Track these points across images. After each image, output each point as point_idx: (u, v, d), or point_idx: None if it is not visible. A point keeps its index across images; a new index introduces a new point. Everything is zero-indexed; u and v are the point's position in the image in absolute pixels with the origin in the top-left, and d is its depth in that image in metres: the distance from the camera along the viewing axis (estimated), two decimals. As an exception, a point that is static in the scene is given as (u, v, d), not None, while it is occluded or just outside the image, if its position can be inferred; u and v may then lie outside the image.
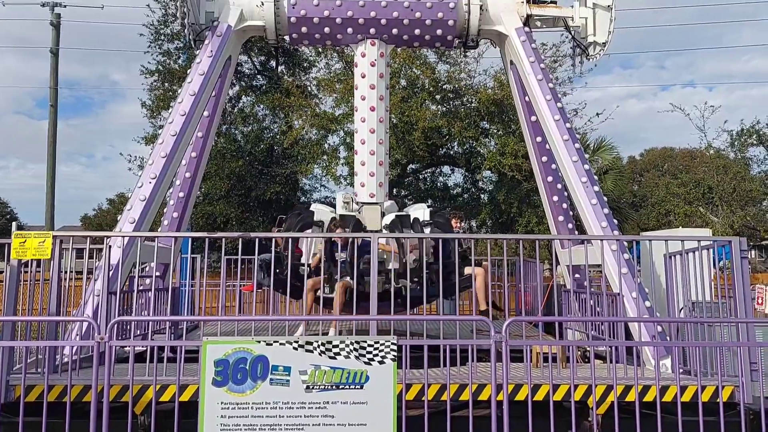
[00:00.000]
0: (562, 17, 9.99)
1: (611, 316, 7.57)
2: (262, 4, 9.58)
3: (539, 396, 6.07)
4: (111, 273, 7.04)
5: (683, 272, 6.94)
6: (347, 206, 9.89)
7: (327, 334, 8.80)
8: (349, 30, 9.61)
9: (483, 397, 6.07)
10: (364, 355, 4.95)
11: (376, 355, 4.95)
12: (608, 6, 9.76)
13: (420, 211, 9.73)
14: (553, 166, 9.83)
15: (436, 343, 6.16)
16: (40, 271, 6.69)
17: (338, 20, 9.50)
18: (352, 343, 4.96)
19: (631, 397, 6.00)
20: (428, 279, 7.77)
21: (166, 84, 22.45)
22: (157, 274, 8.46)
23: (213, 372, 4.87)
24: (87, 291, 7.30)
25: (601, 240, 7.95)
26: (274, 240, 7.83)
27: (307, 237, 8.80)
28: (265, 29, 9.82)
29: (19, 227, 33.11)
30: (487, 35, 10.21)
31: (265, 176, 22.25)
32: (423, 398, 5.68)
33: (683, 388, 6.07)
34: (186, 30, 9.37)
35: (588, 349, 7.50)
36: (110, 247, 6.90)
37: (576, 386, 5.92)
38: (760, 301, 16.31)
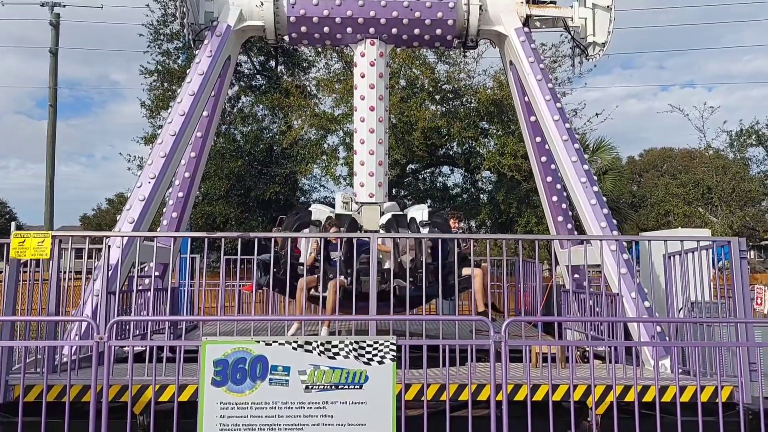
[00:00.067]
0: (561, 17, 9.99)
1: (610, 316, 7.58)
2: (262, 4, 9.59)
3: (538, 396, 6.07)
4: (110, 273, 7.04)
5: (682, 272, 6.94)
6: (346, 206, 9.90)
7: (318, 333, 8.80)
8: (349, 29, 9.61)
9: (482, 397, 6.07)
10: (363, 355, 4.95)
11: (376, 355, 4.95)
12: (608, 6, 9.77)
13: (419, 212, 9.73)
14: (553, 166, 9.83)
15: (435, 343, 6.16)
16: (39, 271, 6.68)
17: (338, 19, 9.50)
18: (351, 343, 4.96)
19: (631, 397, 6.00)
20: (424, 279, 7.74)
21: (166, 84, 22.44)
22: (157, 274, 8.46)
23: (212, 372, 4.87)
24: (86, 291, 7.29)
25: (601, 240, 7.95)
26: (273, 240, 7.83)
27: (304, 237, 8.79)
28: (264, 29, 9.83)
29: (18, 227, 33.10)
30: (487, 35, 10.22)
31: (265, 176, 22.25)
32: (422, 398, 5.68)
33: (682, 389, 6.07)
34: (185, 30, 9.37)
35: (587, 349, 7.50)
36: (109, 246, 6.90)
37: (575, 386, 5.92)
38: (759, 301, 16.34)
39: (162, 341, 7.15)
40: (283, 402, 4.87)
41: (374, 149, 9.73)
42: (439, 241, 8.20)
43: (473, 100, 21.12)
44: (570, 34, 10.14)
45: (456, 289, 7.89)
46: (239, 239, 7.12)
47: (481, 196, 23.34)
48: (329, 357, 4.93)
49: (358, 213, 9.72)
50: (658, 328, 7.64)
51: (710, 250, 7.08)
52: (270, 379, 4.89)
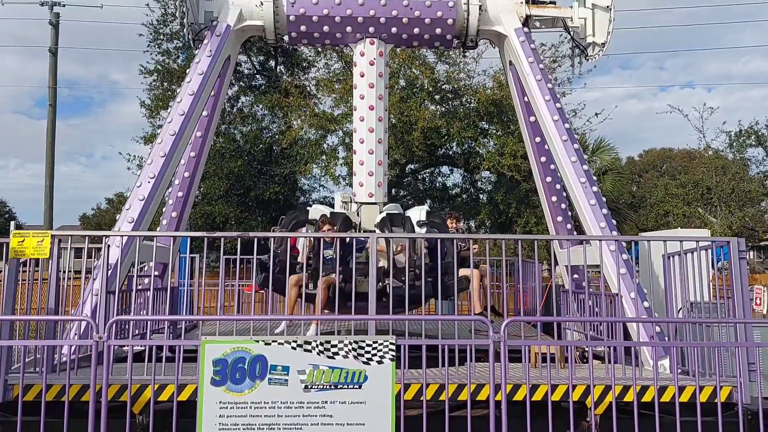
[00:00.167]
0: (561, 18, 10.00)
1: (610, 316, 7.58)
2: (261, 3, 9.59)
3: (537, 396, 6.07)
4: (110, 272, 7.04)
5: (682, 273, 6.95)
6: (346, 206, 9.89)
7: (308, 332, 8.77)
8: (348, 29, 9.62)
9: (481, 397, 6.07)
10: (362, 355, 4.95)
11: (375, 354, 4.95)
12: (607, 6, 9.77)
13: (416, 212, 9.73)
14: (552, 166, 9.83)
15: (434, 343, 6.16)
16: (38, 271, 6.68)
17: (337, 18, 9.50)
18: (350, 343, 4.96)
19: (630, 397, 6.01)
20: (417, 279, 7.69)
21: (165, 84, 22.44)
22: (156, 273, 8.46)
23: (211, 371, 4.87)
24: (85, 290, 7.29)
25: (600, 240, 7.96)
26: (271, 240, 7.83)
27: (303, 236, 8.79)
28: (264, 29, 9.83)
29: (18, 226, 33.07)
30: (486, 35, 10.22)
31: (264, 176, 22.25)
32: (421, 398, 5.68)
33: (681, 389, 6.08)
34: (185, 29, 9.38)
35: (586, 349, 7.50)
36: (109, 246, 6.90)
37: (574, 386, 5.93)
38: (758, 301, 16.35)
39: (161, 341, 7.15)
40: (282, 402, 4.87)
41: (374, 149, 9.73)
42: (439, 241, 8.19)
43: (473, 100, 21.13)
44: (569, 34, 10.14)
45: (455, 289, 7.89)
46: (239, 239, 7.13)
47: (481, 196, 23.35)
48: (328, 357, 4.93)
49: (358, 213, 9.72)
50: (658, 329, 7.65)
51: (709, 251, 7.09)
52: (269, 379, 4.89)
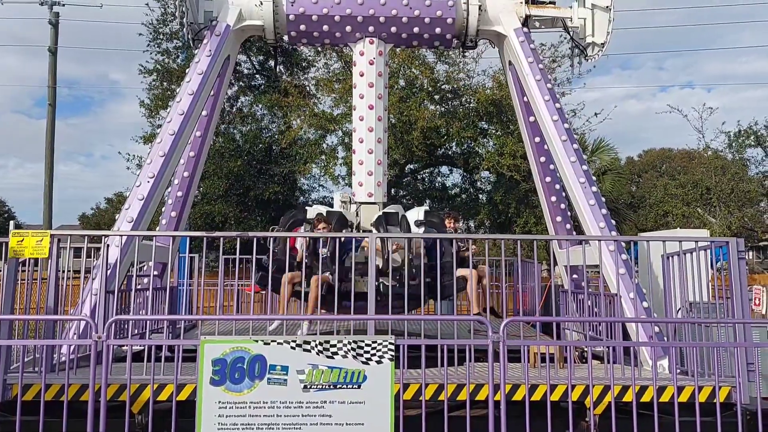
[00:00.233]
0: (560, 18, 10.00)
1: (609, 316, 7.58)
2: (261, 3, 9.59)
3: (537, 396, 6.07)
4: (109, 272, 7.04)
5: (681, 273, 6.95)
6: (345, 206, 9.89)
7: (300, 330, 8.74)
8: (348, 28, 9.62)
9: (480, 397, 6.07)
10: (361, 355, 4.95)
11: (374, 354, 4.95)
12: (607, 6, 9.78)
13: (415, 212, 9.72)
14: (552, 166, 9.83)
15: (433, 343, 6.17)
16: (37, 270, 6.67)
17: (337, 18, 9.51)
18: (349, 343, 4.96)
19: (629, 397, 6.01)
20: (412, 278, 7.65)
21: (165, 83, 22.45)
22: (155, 273, 8.46)
23: (210, 371, 4.87)
24: (85, 290, 7.29)
25: (599, 240, 7.97)
26: (270, 239, 7.82)
27: (301, 236, 8.79)
28: (263, 29, 9.83)
29: (17, 226, 33.06)
30: (486, 35, 10.22)
31: (264, 176, 22.24)
32: (420, 398, 5.68)
33: (680, 389, 6.08)
34: (184, 29, 9.38)
35: (585, 349, 7.51)
36: (108, 246, 6.89)
37: (573, 386, 5.93)
38: (757, 302, 16.35)
39: (160, 340, 7.14)
40: (281, 401, 4.87)
41: (373, 148, 9.72)
42: (438, 241, 8.17)
43: (472, 100, 21.13)
44: (569, 34, 10.15)
45: (453, 288, 7.88)
46: (238, 239, 7.12)
47: (480, 196, 23.35)
48: (327, 357, 4.93)
49: (357, 213, 9.71)
50: (657, 329, 7.65)
51: (708, 251, 7.09)
52: (268, 379, 4.89)
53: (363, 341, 4.99)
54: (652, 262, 8.92)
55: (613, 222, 8.91)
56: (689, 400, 6.01)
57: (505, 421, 5.26)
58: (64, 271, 6.71)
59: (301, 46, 19.39)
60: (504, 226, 21.38)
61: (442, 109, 21.46)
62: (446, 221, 9.23)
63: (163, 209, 10.11)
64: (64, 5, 24.36)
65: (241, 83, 23.82)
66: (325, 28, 9.63)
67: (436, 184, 24.06)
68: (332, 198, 11.38)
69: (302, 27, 9.61)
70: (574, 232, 10.29)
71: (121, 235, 7.55)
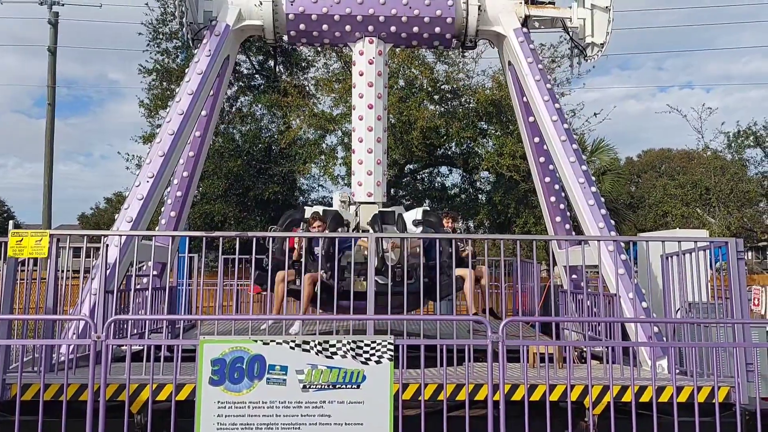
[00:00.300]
0: (560, 18, 10.00)
1: (608, 316, 7.58)
2: (261, 3, 9.59)
3: (536, 396, 6.08)
4: (108, 272, 7.03)
5: (680, 273, 6.95)
6: (344, 205, 9.88)
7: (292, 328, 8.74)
8: (347, 27, 9.62)
9: (480, 397, 6.07)
10: (360, 355, 4.95)
11: (373, 354, 4.95)
12: (606, 7, 9.78)
13: (414, 212, 9.72)
14: (551, 166, 9.83)
15: (433, 343, 6.17)
16: (36, 270, 6.67)
17: (336, 17, 9.51)
18: (348, 343, 4.96)
19: (628, 397, 6.01)
20: (407, 278, 7.61)
21: (164, 83, 22.46)
22: (155, 273, 8.45)
23: (210, 371, 4.87)
24: (84, 290, 7.28)
25: (598, 241, 7.97)
26: (269, 239, 7.81)
27: (300, 236, 8.79)
28: (263, 28, 9.83)
29: (17, 226, 33.05)
30: (486, 36, 10.23)
31: (263, 176, 22.25)
32: (420, 398, 5.68)
33: (679, 389, 6.09)
34: (184, 29, 9.38)
35: (585, 349, 7.51)
36: (107, 245, 6.89)
37: (572, 386, 5.93)
38: (756, 302, 16.37)
39: (160, 340, 7.14)
40: (280, 401, 4.87)
41: (372, 148, 9.71)
42: (436, 241, 8.16)
43: (472, 101, 21.14)
44: (569, 34, 10.15)
45: (453, 288, 7.87)
46: (237, 238, 7.12)
47: (480, 196, 23.36)
48: (327, 357, 4.93)
49: (356, 213, 9.71)
50: (656, 329, 7.66)
51: (708, 251, 7.09)
52: (267, 379, 4.89)
53: (362, 341, 4.99)
54: (651, 263, 8.92)
55: (613, 222, 8.91)
56: (688, 401, 6.01)
57: (504, 421, 5.26)
58: (63, 271, 6.71)
59: (301, 46, 19.41)
60: (503, 226, 21.39)
61: (442, 109, 21.47)
62: (444, 220, 9.21)
63: (162, 209, 10.11)
64: (63, 5, 24.38)
65: (240, 83, 23.83)
66: (325, 27, 9.63)
67: (436, 185, 24.07)
68: (331, 198, 11.37)
69: (302, 26, 9.61)
70: (574, 233, 10.29)
71: (121, 235, 7.55)
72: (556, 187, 9.95)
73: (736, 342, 6.31)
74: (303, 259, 7.96)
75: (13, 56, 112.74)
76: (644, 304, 7.77)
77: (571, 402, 5.76)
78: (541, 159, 9.99)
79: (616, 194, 22.29)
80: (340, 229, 9.00)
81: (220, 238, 7.33)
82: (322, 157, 21.87)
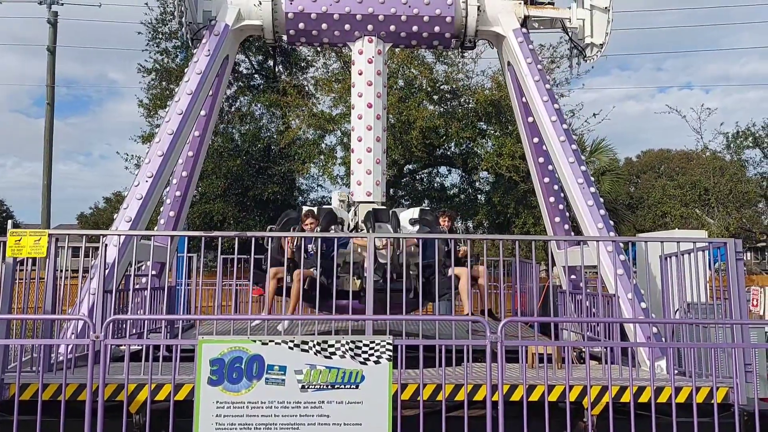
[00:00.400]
0: (559, 18, 10.01)
1: (607, 317, 7.59)
2: (260, 3, 9.59)
3: (534, 396, 6.08)
4: (107, 271, 7.03)
5: (679, 274, 6.96)
6: (343, 204, 9.87)
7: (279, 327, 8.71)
8: (347, 26, 9.62)
9: (478, 397, 6.07)
10: (359, 355, 4.95)
11: (372, 354, 4.96)
12: (606, 7, 9.78)
13: (411, 212, 9.72)
14: (550, 167, 9.84)
15: (431, 343, 6.17)
16: (35, 270, 6.67)
17: (336, 16, 9.51)
18: (347, 343, 4.96)
19: (626, 398, 6.01)
20: (399, 277, 7.59)
21: (164, 83, 22.45)
22: (153, 272, 8.45)
23: (208, 371, 4.87)
24: (82, 289, 7.28)
25: (597, 241, 7.97)
26: (268, 239, 7.81)
27: (299, 236, 8.78)
28: (262, 28, 9.83)
29: (15, 225, 33.02)
30: (485, 36, 10.23)
31: (262, 175, 22.24)
32: (418, 398, 5.68)
33: (678, 389, 6.09)
34: (183, 29, 9.37)
35: (583, 350, 7.51)
36: (106, 245, 6.89)
37: (571, 387, 5.93)
38: (755, 302, 16.39)
39: (158, 340, 7.13)
40: (279, 401, 4.87)
41: (372, 147, 9.68)
42: (436, 241, 8.16)
43: (471, 101, 21.15)
44: (568, 35, 10.16)
45: (452, 288, 7.86)
46: (236, 238, 7.12)
47: (479, 196, 23.37)
48: (325, 357, 4.93)
49: (355, 213, 9.70)
50: (655, 329, 7.66)
51: (706, 252, 7.10)
52: (266, 379, 4.89)
53: (361, 341, 4.99)
54: (650, 263, 8.92)
55: (612, 223, 8.91)
56: (687, 401, 6.02)
57: (503, 421, 5.27)
58: (62, 271, 6.71)
59: (300, 46, 19.41)
60: (502, 226, 21.39)
61: (441, 109, 21.47)
62: (441, 219, 9.18)
63: (161, 209, 10.11)
64: (62, 4, 24.36)
65: (240, 83, 23.82)
66: (324, 26, 9.62)
67: (435, 185, 24.07)
68: (331, 198, 11.38)
69: (301, 25, 9.61)
70: (573, 233, 10.29)
71: (120, 235, 7.55)
72: (555, 187, 9.95)
73: (735, 342, 6.32)
74: (294, 257, 7.95)
75: (13, 56, 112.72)
76: (643, 305, 7.78)
77: (570, 402, 5.76)
78: (540, 159, 9.99)
79: (615, 195, 22.29)
80: (333, 227, 8.99)
81: (219, 238, 7.33)
82: (322, 157, 21.86)
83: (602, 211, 8.70)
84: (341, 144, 21.83)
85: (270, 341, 4.96)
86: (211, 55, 9.25)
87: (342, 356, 4.93)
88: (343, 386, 4.90)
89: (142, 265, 9.06)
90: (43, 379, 5.70)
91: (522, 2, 9.84)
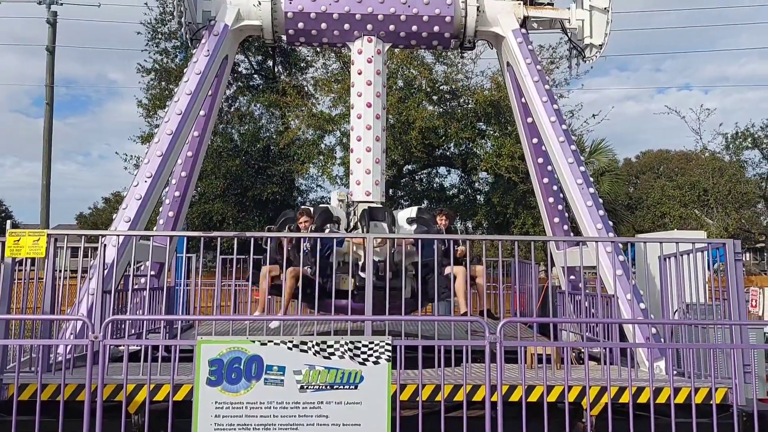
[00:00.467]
0: (558, 19, 10.01)
1: (606, 317, 7.59)
2: (260, 3, 9.59)
3: (533, 397, 6.07)
4: (106, 272, 7.03)
5: (678, 274, 6.96)
6: (342, 204, 9.86)
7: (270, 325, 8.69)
8: (346, 26, 9.61)
9: (477, 398, 6.07)
10: (358, 356, 4.95)
11: (371, 355, 4.96)
12: (605, 8, 9.79)
13: (408, 211, 9.72)
14: (549, 167, 9.84)
15: (430, 344, 6.17)
16: (34, 270, 6.66)
17: (335, 15, 9.51)
18: (346, 344, 4.96)
19: (625, 398, 6.02)
20: (394, 277, 7.56)
21: (163, 83, 22.44)
22: (152, 273, 8.45)
23: (207, 371, 4.87)
24: (81, 290, 7.28)
25: (597, 242, 7.97)
26: (268, 239, 7.82)
27: (297, 236, 8.78)
28: (261, 29, 9.83)
29: (14, 225, 32.99)
30: (484, 36, 10.23)
31: (262, 176, 22.24)
32: (417, 399, 5.68)
33: (677, 390, 6.09)
34: (183, 29, 9.37)
35: (582, 350, 7.51)
36: (105, 245, 6.89)
37: (570, 387, 5.94)
38: (753, 303, 16.38)
39: (157, 340, 7.13)
40: (278, 402, 4.87)
41: (371, 146, 9.67)
42: (435, 240, 8.15)
43: (471, 101, 21.15)
44: (567, 35, 10.16)
45: (452, 287, 7.85)
46: (235, 239, 7.12)
47: (478, 197, 23.37)
48: (324, 357, 4.93)
49: (354, 212, 9.69)
50: (654, 330, 7.66)
51: (705, 252, 7.10)
52: (265, 379, 4.89)
53: (360, 342, 5.00)
54: (649, 264, 8.93)
55: (611, 223, 8.92)
56: (686, 402, 6.02)
57: (502, 422, 5.27)
58: (61, 271, 6.70)
59: (300, 46, 19.41)
60: (502, 227, 21.40)
61: (441, 109, 21.47)
62: (438, 218, 9.17)
63: (160, 209, 10.10)
64: (62, 4, 24.33)
65: (239, 83, 23.81)
66: (324, 25, 9.62)
67: (434, 185, 24.07)
68: (330, 198, 11.36)
69: (300, 25, 9.61)
70: (572, 233, 10.29)
71: (119, 235, 7.54)
72: (555, 187, 9.95)
73: (734, 343, 6.32)
74: (289, 255, 7.95)
75: (12, 55, 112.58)
76: (642, 305, 7.78)
77: (569, 403, 5.77)
78: (540, 160, 9.99)
79: (615, 195, 22.29)
80: (329, 225, 8.99)
81: (218, 238, 7.33)
82: (321, 157, 21.86)
83: (601, 212, 8.70)
84: (340, 144, 21.83)
85: (269, 341, 4.96)
86: (211, 56, 9.24)
87: (341, 357, 4.93)
88: (342, 387, 4.90)
89: (141, 266, 9.05)
90: (41, 380, 5.71)
91: (521, 3, 9.84)
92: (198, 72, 9.10)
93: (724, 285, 6.69)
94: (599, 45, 9.81)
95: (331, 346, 4.94)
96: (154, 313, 8.37)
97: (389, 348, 4.98)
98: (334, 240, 8.09)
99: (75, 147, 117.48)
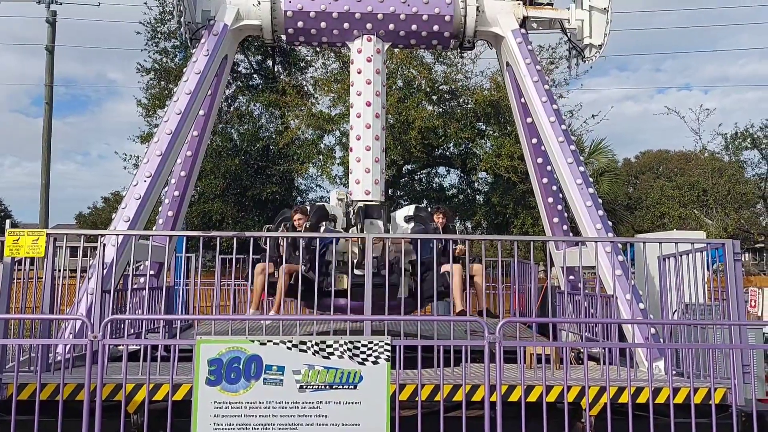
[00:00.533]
0: (558, 19, 10.02)
1: (605, 317, 7.59)
2: (259, 3, 9.59)
3: (532, 397, 6.08)
4: (105, 271, 7.03)
5: (677, 274, 6.96)
6: (341, 203, 9.86)
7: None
8: (346, 25, 9.62)
9: (476, 397, 6.08)
10: (357, 355, 4.95)
11: (370, 355, 4.96)
12: (604, 8, 9.80)
13: (406, 210, 9.72)
14: (549, 167, 9.85)
15: (430, 344, 6.17)
16: (33, 269, 6.66)
17: (334, 14, 9.51)
18: (345, 343, 4.96)
19: (624, 398, 6.02)
20: (390, 274, 7.53)
21: (162, 82, 22.42)
22: (152, 272, 8.45)
23: (206, 371, 4.87)
24: (81, 289, 7.28)
25: (596, 242, 7.97)
26: (267, 239, 7.81)
27: (297, 236, 8.77)
28: (261, 28, 9.83)
29: (13, 225, 32.99)
30: (484, 36, 10.23)
31: (261, 175, 22.22)
32: (416, 399, 5.68)
33: (676, 390, 6.09)
34: (182, 28, 9.37)
35: (582, 350, 7.52)
36: (104, 245, 6.89)
37: (569, 387, 5.94)
38: (753, 303, 16.39)
39: (156, 340, 7.14)
40: (277, 402, 4.87)
41: (371, 145, 9.66)
42: (431, 239, 8.13)
43: (470, 101, 21.15)
44: (567, 35, 10.17)
45: (452, 289, 7.86)
46: (235, 238, 7.12)
47: (477, 197, 23.36)
48: (324, 357, 4.93)
49: (353, 211, 9.68)
50: (653, 330, 7.67)
51: (705, 253, 7.10)
52: (264, 379, 4.89)
53: (359, 341, 5.00)
54: (648, 264, 8.92)
55: (610, 223, 8.92)
56: (685, 402, 6.02)
57: (501, 422, 5.27)
58: (60, 271, 6.70)
59: (299, 46, 19.41)
60: (501, 227, 21.39)
61: (440, 109, 21.46)
62: (435, 216, 9.14)
63: (159, 209, 10.09)
64: (61, 4, 24.28)
65: (238, 83, 23.79)
66: (323, 24, 9.62)
67: (434, 185, 24.06)
68: (329, 198, 11.37)
69: (300, 24, 9.61)
70: (571, 234, 10.30)
71: (118, 235, 7.54)
72: (554, 188, 9.96)
73: (733, 343, 6.32)
74: (282, 252, 7.95)
75: (12, 55, 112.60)
76: (641, 306, 7.78)
77: (568, 403, 5.77)
78: (539, 160, 10.00)
79: (614, 195, 22.29)
80: (324, 223, 8.99)
81: (218, 238, 7.32)
82: (320, 157, 21.85)
83: (600, 212, 8.71)
84: (340, 144, 21.82)
85: (268, 341, 4.96)
86: (210, 55, 9.24)
87: (340, 356, 4.93)
88: (341, 386, 4.90)
89: (140, 265, 9.05)
90: (41, 379, 5.71)
91: (521, 3, 9.85)
92: (197, 71, 9.10)
93: (723, 285, 6.69)
94: (599, 45, 9.81)
95: (330, 346, 4.95)
96: (154, 313, 8.37)
97: (388, 348, 4.98)
98: (334, 239, 8.09)
99: (74, 147, 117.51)
